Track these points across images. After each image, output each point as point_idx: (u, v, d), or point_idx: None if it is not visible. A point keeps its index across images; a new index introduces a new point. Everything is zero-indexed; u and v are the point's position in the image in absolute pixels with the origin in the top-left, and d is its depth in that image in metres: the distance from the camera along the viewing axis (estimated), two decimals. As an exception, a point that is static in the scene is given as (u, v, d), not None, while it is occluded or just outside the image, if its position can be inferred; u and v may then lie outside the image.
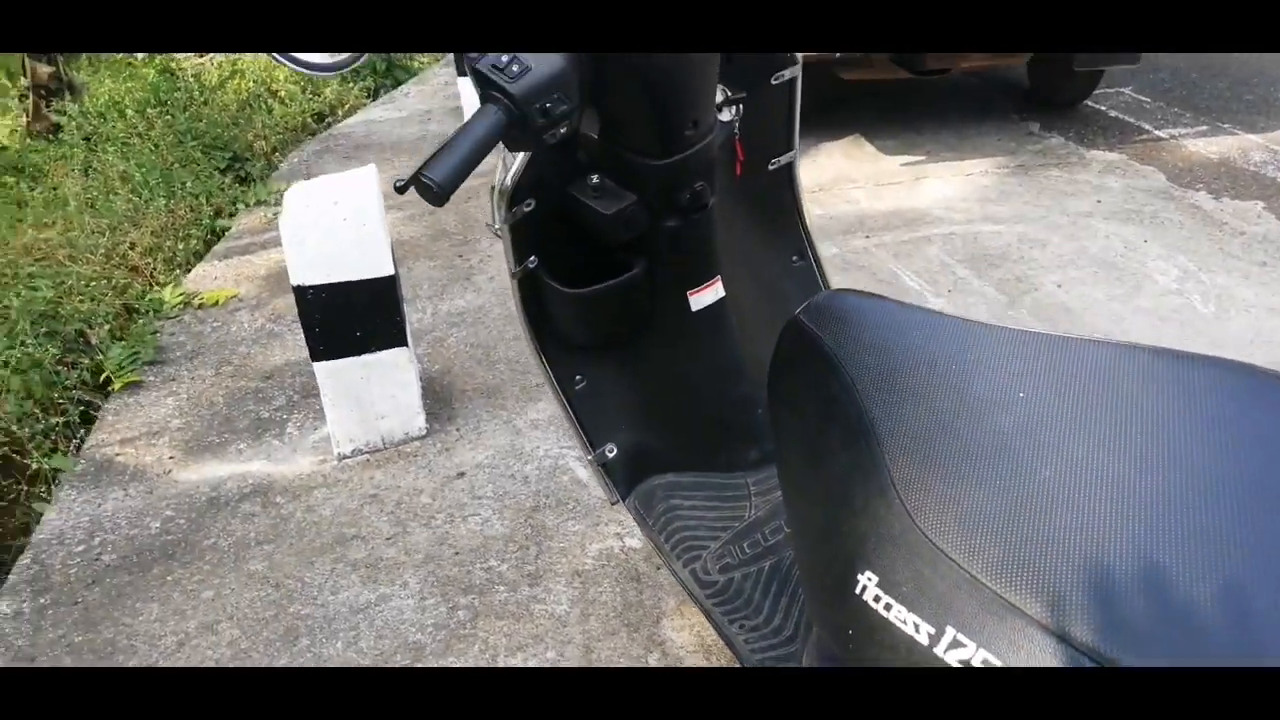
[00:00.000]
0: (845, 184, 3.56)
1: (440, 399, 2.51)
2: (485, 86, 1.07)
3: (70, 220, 4.17)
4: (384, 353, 2.23)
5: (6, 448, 2.62)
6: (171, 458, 2.39)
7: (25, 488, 2.48)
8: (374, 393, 2.26)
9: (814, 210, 1.61)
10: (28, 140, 5.26)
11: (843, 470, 0.92)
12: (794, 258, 1.64)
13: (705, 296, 1.46)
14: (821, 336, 1.03)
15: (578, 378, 1.48)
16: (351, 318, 2.17)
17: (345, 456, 2.31)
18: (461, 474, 2.24)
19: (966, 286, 2.87)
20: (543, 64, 1.07)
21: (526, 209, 1.28)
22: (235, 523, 2.15)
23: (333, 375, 2.22)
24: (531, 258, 1.32)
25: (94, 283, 3.49)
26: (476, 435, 2.36)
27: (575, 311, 1.40)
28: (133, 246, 3.87)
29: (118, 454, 2.42)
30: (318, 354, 2.19)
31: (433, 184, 1.03)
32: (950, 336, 1.00)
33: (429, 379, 2.59)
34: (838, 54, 3.43)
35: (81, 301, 3.40)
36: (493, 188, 1.30)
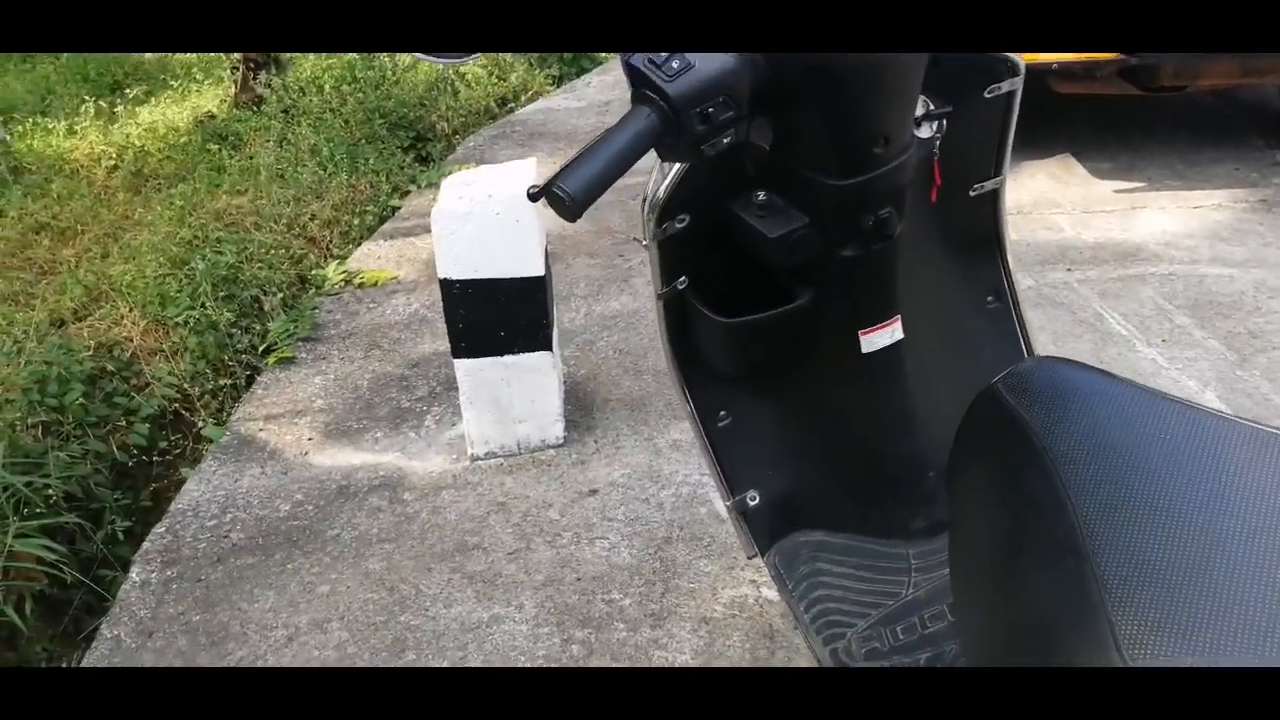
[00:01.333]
0: (1048, 208, 3.20)
1: (582, 406, 2.38)
2: (638, 84, 0.91)
3: (260, 189, 4.34)
4: (527, 355, 2.12)
5: (179, 404, 2.69)
6: (310, 439, 2.37)
7: (191, 444, 2.53)
8: (513, 396, 2.15)
9: (1010, 235, 1.36)
10: (234, 110, 5.52)
11: (1042, 592, 0.72)
12: (989, 298, 1.41)
13: (880, 337, 1.25)
14: (1024, 416, 0.83)
15: (722, 413, 1.31)
16: (496, 316, 2.06)
17: (478, 458, 2.22)
18: (594, 491, 2.10)
19: (1185, 338, 2.50)
20: (708, 63, 0.90)
21: (679, 225, 1.12)
22: (361, 516, 2.09)
23: (472, 374, 2.12)
24: (681, 278, 1.16)
25: (273, 251, 3.60)
26: (614, 450, 2.22)
27: (727, 341, 1.23)
28: (313, 218, 3.97)
29: (261, 430, 2.42)
30: (459, 351, 2.10)
31: (565, 196, 0.87)
32: (1193, 431, 0.77)
33: (573, 383, 2.47)
34: (1054, 64, 3.08)
35: (260, 268, 3.52)
36: (643, 198, 1.14)
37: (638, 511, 2.03)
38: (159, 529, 2.10)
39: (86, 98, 5.67)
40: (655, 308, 1.23)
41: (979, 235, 1.36)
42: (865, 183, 1.06)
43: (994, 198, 1.33)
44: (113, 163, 5.13)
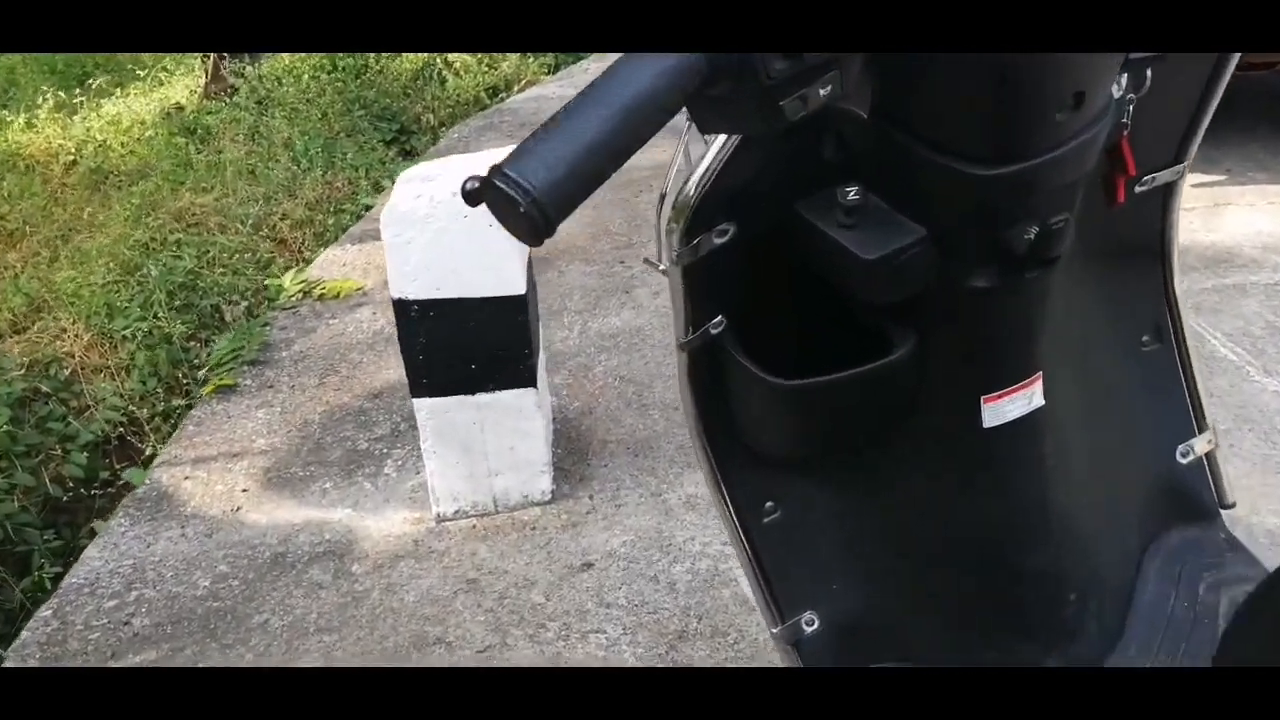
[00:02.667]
0: (1116, 205, 2.77)
1: (574, 450, 1.96)
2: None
3: (227, 186, 3.99)
4: (505, 393, 1.69)
5: (124, 429, 2.31)
6: (244, 490, 1.94)
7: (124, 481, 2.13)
8: (488, 442, 1.73)
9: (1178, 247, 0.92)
10: (204, 102, 5.12)
11: None
12: (1144, 338, 1.00)
13: (1011, 406, 0.84)
14: None
15: (769, 505, 0.92)
16: (466, 346, 1.64)
17: (446, 518, 1.80)
18: (589, 565, 1.67)
19: (1307, 362, 2.07)
20: None
21: (719, 239, 0.75)
22: (297, 595, 1.67)
23: (436, 416, 1.70)
24: (717, 319, 0.80)
25: (237, 255, 3.27)
26: (614, 508, 1.79)
27: (782, 411, 0.86)
28: (284, 218, 3.61)
29: (187, 478, 2.00)
30: (420, 388, 1.68)
31: (522, 196, 0.48)
32: None
33: (564, 420, 2.05)
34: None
35: (222, 274, 3.18)
36: (661, 197, 0.74)
37: (643, 594, 1.60)
38: (44, 612, 1.68)
39: (47, 89, 5.27)
40: (677, 360, 0.84)
41: (1137, 247, 0.96)
42: (1030, 171, 0.65)
43: (1166, 195, 0.91)
44: (72, 158, 4.76)
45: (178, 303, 2.98)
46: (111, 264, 3.30)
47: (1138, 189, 0.88)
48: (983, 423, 0.84)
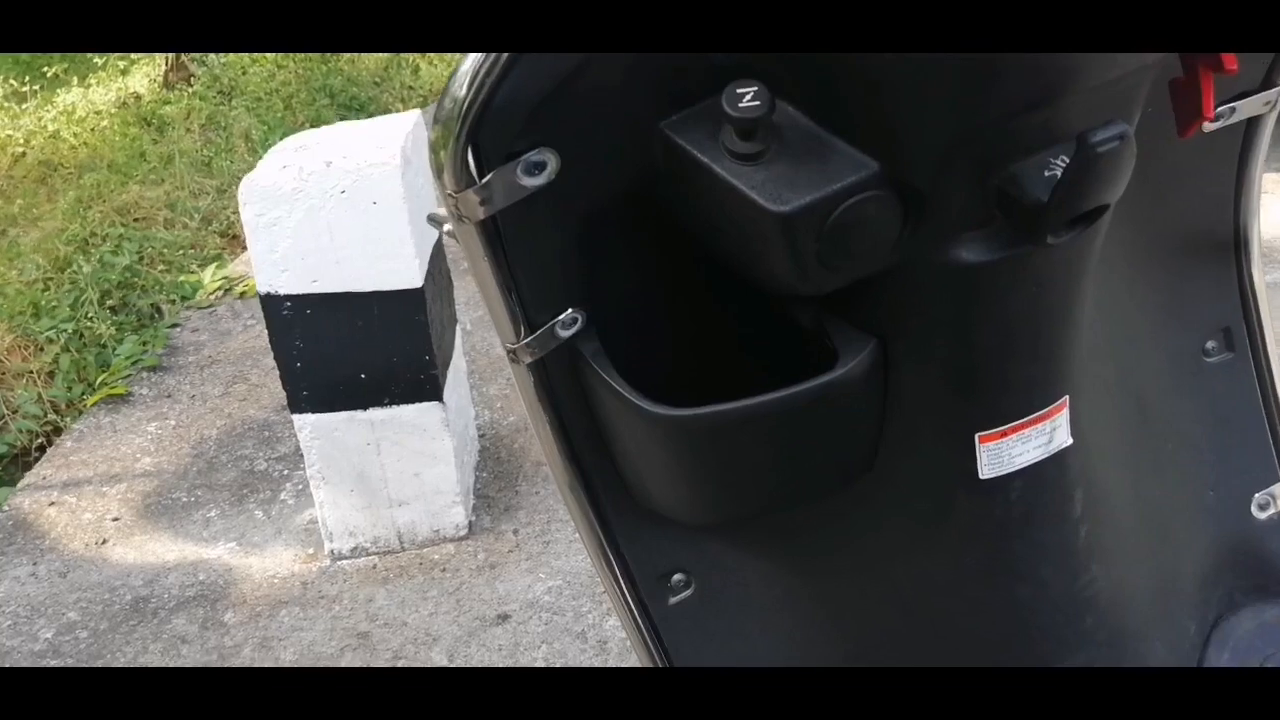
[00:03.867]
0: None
1: (503, 474, 1.67)
2: None
3: (179, 179, 3.75)
4: (405, 408, 1.41)
5: (44, 439, 2.06)
6: (115, 519, 1.66)
7: None
8: (387, 467, 1.44)
9: (1260, 218, 0.61)
10: (163, 91, 4.86)
11: None
12: (1209, 344, 0.71)
13: (1021, 447, 0.57)
14: None
15: (677, 580, 0.65)
16: (353, 351, 1.35)
17: (341, 556, 1.51)
18: (504, 616, 1.38)
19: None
20: None
21: (532, 178, 0.47)
22: (154, 650, 1.39)
23: (322, 436, 1.41)
24: (567, 312, 0.53)
25: (182, 250, 3.02)
26: (542, 545, 1.50)
27: (675, 454, 0.58)
28: (237, 212, 3.34)
29: (52, 503, 1.72)
30: (300, 402, 1.39)
31: None
32: None
33: (495, 438, 1.76)
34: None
35: (163, 271, 2.92)
36: (436, 117, 0.44)
37: (566, 653, 1.31)
38: None
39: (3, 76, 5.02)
40: (514, 375, 0.58)
41: (1203, 214, 0.66)
42: (1065, 75, 0.37)
43: (1247, 136, 0.63)
44: (21, 150, 4.51)
45: (113, 302, 2.73)
46: (43, 260, 3.05)
47: (1211, 125, 0.59)
48: (979, 471, 0.55)
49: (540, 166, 0.46)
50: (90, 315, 2.67)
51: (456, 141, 0.44)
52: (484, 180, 0.45)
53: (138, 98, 4.89)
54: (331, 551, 1.51)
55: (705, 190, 0.46)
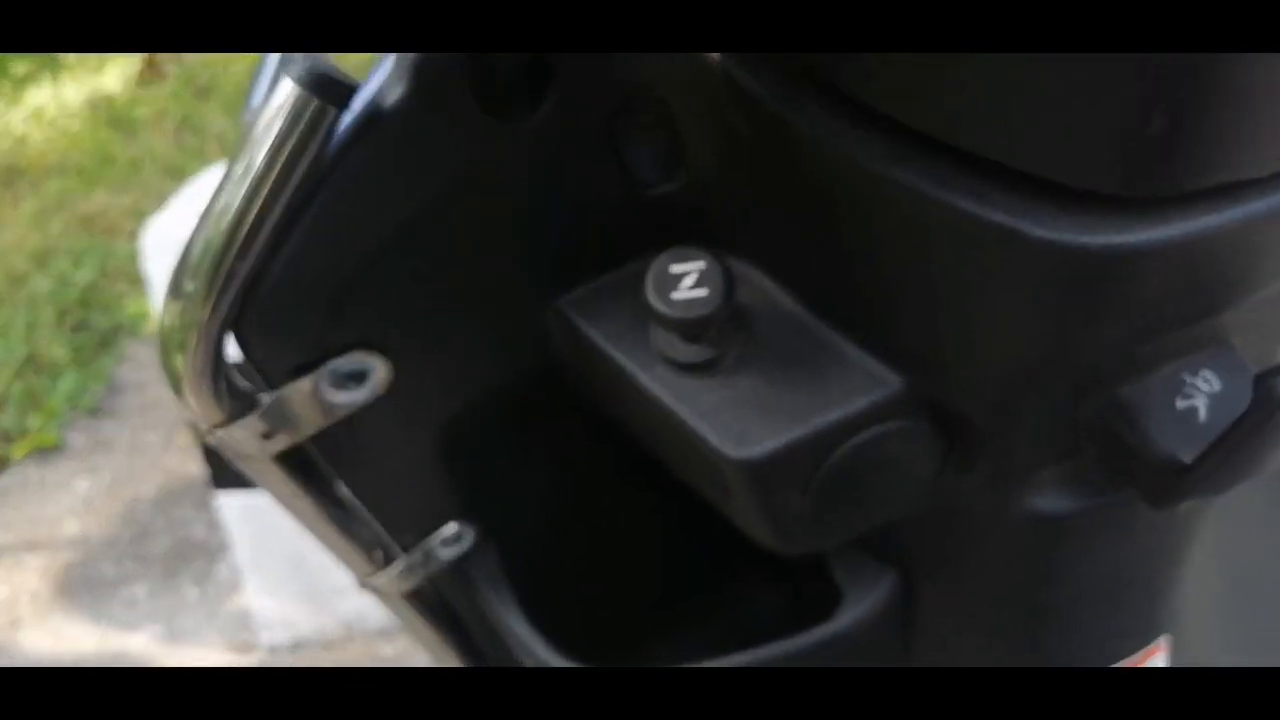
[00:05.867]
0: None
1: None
2: None
3: (148, 187, 3.60)
4: (347, 484, 1.21)
5: None
6: (32, 597, 1.47)
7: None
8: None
9: None
10: (137, 89, 4.67)
11: None
12: None
13: None
14: None
15: None
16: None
17: (279, 649, 1.32)
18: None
19: None
20: None
21: (351, 395, 0.28)
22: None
23: (251, 519, 1.22)
24: (450, 527, 0.35)
25: None
26: (510, 635, 1.31)
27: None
28: (208, 225, 3.18)
29: (-38, 577, 1.53)
30: (223, 475, 1.20)
31: None
32: None
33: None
34: None
35: (127, 289, 2.74)
36: (172, 287, 0.21)
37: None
38: None
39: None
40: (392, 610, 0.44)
41: None
42: (1245, 224, 0.17)
43: None
44: (-16, 154, 4.34)
45: (72, 323, 2.58)
46: (-2, 276, 2.91)
47: None
48: None
49: (359, 377, 0.27)
50: (46, 338, 2.52)
51: (208, 341, 0.25)
52: (264, 405, 0.26)
53: (109, 99, 4.70)
54: (268, 645, 1.32)
55: (633, 407, 0.27)
